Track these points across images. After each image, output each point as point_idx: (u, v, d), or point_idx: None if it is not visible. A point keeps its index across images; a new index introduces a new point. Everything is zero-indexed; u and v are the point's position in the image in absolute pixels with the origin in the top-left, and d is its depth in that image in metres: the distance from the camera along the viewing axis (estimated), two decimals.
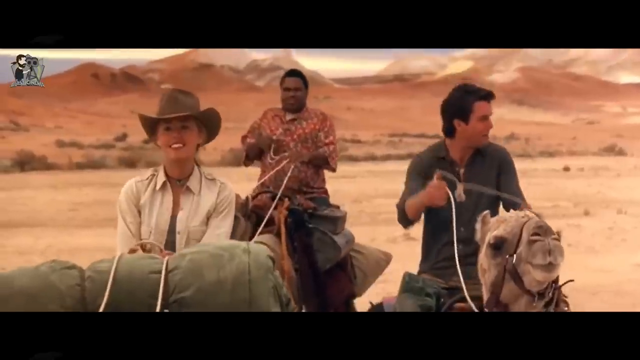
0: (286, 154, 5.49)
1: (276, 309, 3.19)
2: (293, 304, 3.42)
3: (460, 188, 3.57)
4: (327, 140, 5.62)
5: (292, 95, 5.64)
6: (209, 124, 3.97)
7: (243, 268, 3.13)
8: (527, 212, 3.28)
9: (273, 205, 5.08)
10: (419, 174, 4.16)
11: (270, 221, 4.97)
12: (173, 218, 3.88)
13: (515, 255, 3.15)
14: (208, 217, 3.90)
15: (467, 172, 4.13)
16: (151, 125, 3.91)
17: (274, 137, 5.55)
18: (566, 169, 33.79)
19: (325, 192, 5.68)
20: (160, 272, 3.12)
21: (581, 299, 8.21)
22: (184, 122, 3.83)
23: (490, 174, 4.14)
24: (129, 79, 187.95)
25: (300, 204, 5.28)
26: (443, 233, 3.98)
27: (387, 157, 43.77)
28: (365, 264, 5.44)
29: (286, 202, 5.12)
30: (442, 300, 3.77)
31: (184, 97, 3.89)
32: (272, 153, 5.52)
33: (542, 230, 3.10)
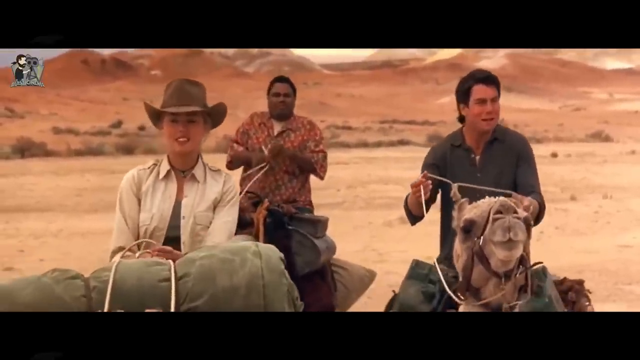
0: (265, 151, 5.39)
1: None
2: (299, 302, 3.29)
3: (455, 187, 3.45)
4: (316, 149, 5.52)
5: (281, 100, 5.54)
6: (216, 117, 3.92)
7: (256, 272, 3.04)
8: (501, 198, 3.18)
9: (259, 215, 5.04)
10: (430, 167, 4.17)
11: (248, 223, 4.97)
12: (177, 204, 3.78)
13: (482, 237, 3.07)
14: (215, 205, 3.82)
15: (482, 159, 4.20)
16: (156, 115, 3.85)
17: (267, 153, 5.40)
18: (554, 155, 33.85)
19: (310, 203, 5.59)
20: (170, 279, 3.02)
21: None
22: (191, 116, 3.76)
23: (509, 162, 4.18)
24: (118, 65, 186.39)
25: (281, 207, 5.23)
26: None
27: (378, 144, 44.22)
28: (348, 280, 5.42)
29: (265, 202, 5.13)
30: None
31: (191, 88, 3.82)
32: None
33: (504, 209, 3.02)
